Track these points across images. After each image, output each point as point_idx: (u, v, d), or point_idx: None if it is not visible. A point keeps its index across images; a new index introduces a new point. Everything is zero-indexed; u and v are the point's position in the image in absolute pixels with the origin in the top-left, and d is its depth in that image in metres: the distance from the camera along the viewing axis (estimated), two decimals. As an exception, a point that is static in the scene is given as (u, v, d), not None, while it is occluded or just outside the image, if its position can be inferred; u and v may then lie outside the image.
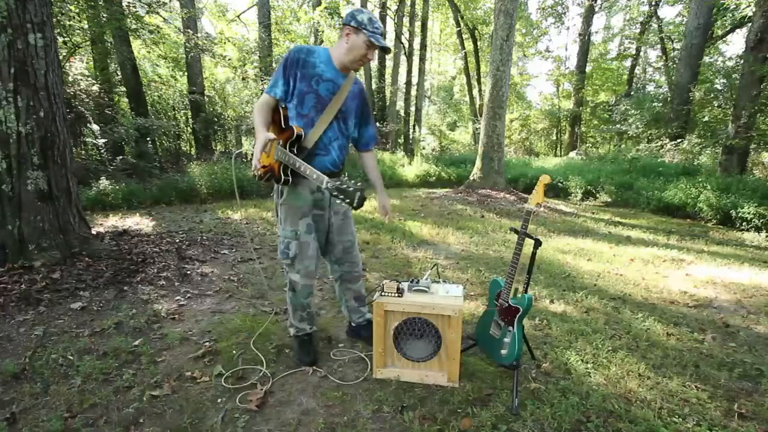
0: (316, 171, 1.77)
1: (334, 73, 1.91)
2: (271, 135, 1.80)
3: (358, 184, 1.64)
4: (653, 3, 16.13)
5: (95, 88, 7.66)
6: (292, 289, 2.14)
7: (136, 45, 9.34)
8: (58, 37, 5.55)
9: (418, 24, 17.01)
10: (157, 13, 8.04)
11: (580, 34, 16.85)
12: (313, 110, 1.90)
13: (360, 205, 1.64)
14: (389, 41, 18.23)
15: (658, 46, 16.77)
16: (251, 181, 7.46)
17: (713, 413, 1.87)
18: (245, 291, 3.21)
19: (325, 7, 12.60)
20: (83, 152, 7.48)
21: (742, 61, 8.76)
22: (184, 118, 11.11)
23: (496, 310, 2.07)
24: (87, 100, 7.38)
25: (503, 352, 2.01)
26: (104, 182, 6.21)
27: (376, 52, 1.88)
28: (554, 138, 19.42)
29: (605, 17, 22.91)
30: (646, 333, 2.64)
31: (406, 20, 16.75)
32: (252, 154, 1.87)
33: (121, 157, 7.25)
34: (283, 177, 1.89)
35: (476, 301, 3.08)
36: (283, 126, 1.92)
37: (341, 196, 1.66)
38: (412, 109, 16.53)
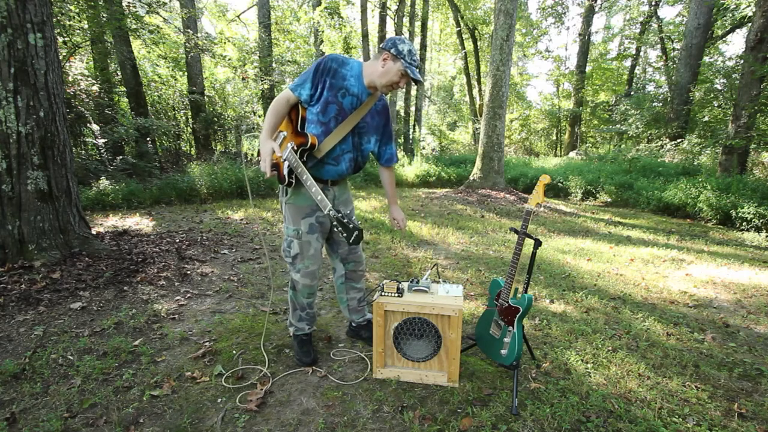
0: (321, 193, 1.80)
1: (360, 88, 1.93)
2: (278, 150, 1.82)
3: (359, 223, 1.76)
4: (653, 3, 16.14)
5: (95, 88, 7.65)
6: (292, 288, 2.16)
7: (136, 45, 9.33)
8: (58, 37, 5.55)
9: (418, 24, 17.00)
10: (157, 13, 8.04)
11: (580, 34, 16.84)
12: (333, 120, 1.92)
13: (356, 242, 1.74)
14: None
15: (658, 46, 16.78)
16: (251, 181, 7.47)
17: (713, 413, 1.87)
18: (245, 291, 3.21)
19: (325, 7, 12.60)
20: (83, 152, 7.48)
21: (742, 61, 8.76)
22: (184, 118, 11.11)
23: (496, 310, 2.08)
24: (87, 100, 7.38)
25: (503, 352, 2.01)
26: (104, 182, 6.21)
27: (407, 81, 1.90)
28: (554, 138, 19.42)
29: (605, 17, 22.90)
30: (646, 333, 2.65)
31: (406, 20, 16.74)
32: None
33: (121, 157, 7.25)
34: (287, 179, 1.91)
35: (476, 301, 3.08)
36: (299, 129, 1.93)
37: (340, 228, 1.75)
38: (412, 109, 16.53)
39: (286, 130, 1.96)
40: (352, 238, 1.72)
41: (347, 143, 1.99)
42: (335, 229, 1.84)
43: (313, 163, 1.97)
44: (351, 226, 1.73)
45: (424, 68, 16.99)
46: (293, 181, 1.92)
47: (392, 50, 1.82)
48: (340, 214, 1.74)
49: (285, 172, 1.91)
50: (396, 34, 16.41)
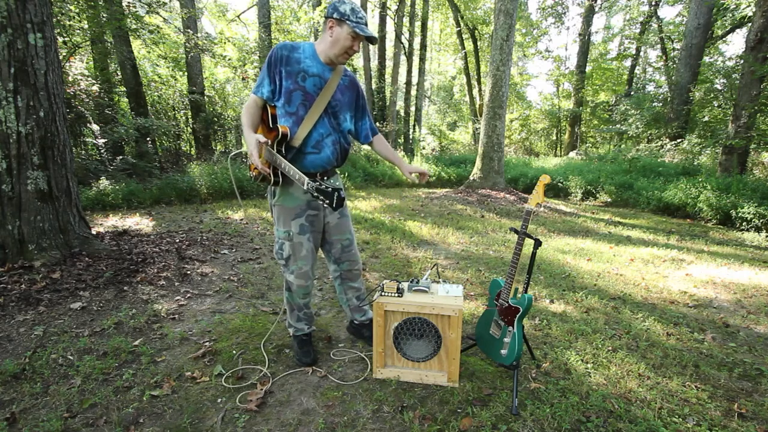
0: (298, 172, 1.75)
1: (320, 67, 1.88)
2: (262, 138, 1.80)
3: (337, 184, 1.64)
4: (653, 3, 16.14)
5: (95, 88, 7.65)
6: (288, 289, 2.16)
7: (136, 45, 9.33)
8: (58, 37, 5.55)
9: (418, 24, 17.01)
10: (157, 13, 8.04)
11: (580, 34, 16.84)
12: (301, 107, 1.86)
13: (339, 205, 1.62)
14: (389, 41, 18.24)
15: (658, 46, 16.78)
16: (250, 181, 7.47)
17: (713, 413, 1.87)
18: (245, 291, 3.21)
19: (325, 7, 12.58)
20: (83, 152, 7.48)
21: (742, 61, 8.76)
22: (184, 118, 11.10)
23: (496, 310, 2.08)
24: (87, 100, 7.38)
25: (503, 352, 2.01)
26: (104, 182, 6.21)
27: (362, 42, 1.85)
28: (554, 138, 19.42)
29: (605, 17, 22.92)
30: (646, 333, 2.65)
31: (406, 20, 16.75)
32: (245, 152, 1.85)
33: (121, 157, 7.24)
34: (273, 178, 1.89)
35: (476, 301, 3.08)
36: (271, 126, 1.90)
37: (321, 197, 1.66)
38: (412, 109, 16.54)
39: (261, 132, 1.93)
40: (334, 201, 1.61)
41: (324, 126, 1.92)
42: (318, 201, 1.74)
43: (294, 155, 1.91)
44: (330, 189, 1.62)
45: (424, 68, 16.99)
46: (279, 179, 1.90)
47: (335, 15, 1.76)
48: (317, 183, 1.66)
49: (270, 172, 1.88)
50: (396, 34, 16.42)
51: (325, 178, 2.02)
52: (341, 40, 1.79)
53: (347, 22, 1.75)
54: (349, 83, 2.01)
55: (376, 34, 1.81)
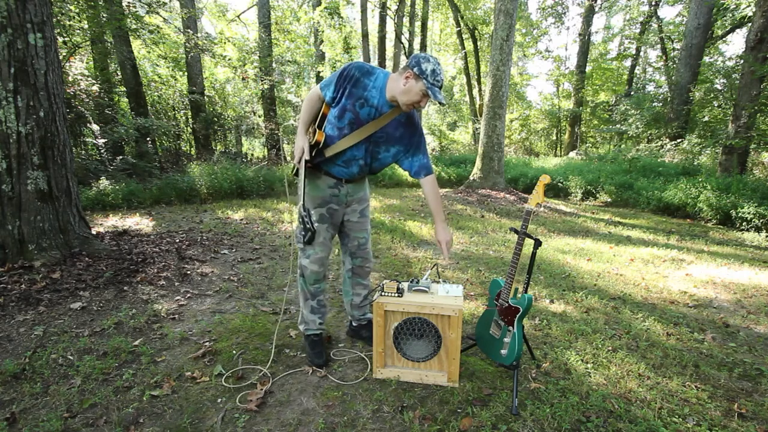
0: (302, 190, 1.99)
1: (381, 101, 1.91)
2: (307, 155, 1.92)
3: (316, 225, 1.98)
4: (653, 3, 16.14)
5: (95, 88, 7.65)
6: (301, 275, 2.20)
7: (136, 45, 9.33)
8: (58, 37, 5.55)
9: (418, 24, 17.01)
10: (157, 13, 8.04)
11: (580, 34, 16.84)
12: (348, 127, 1.93)
13: (308, 242, 2.01)
14: (389, 41, 18.23)
15: (658, 46, 16.78)
16: (251, 181, 7.47)
17: (713, 413, 1.87)
18: (245, 291, 3.21)
19: (325, 7, 12.60)
20: (83, 152, 7.48)
21: (742, 61, 8.76)
22: (184, 118, 11.11)
23: (496, 310, 2.08)
24: (87, 100, 7.38)
25: (503, 352, 2.01)
26: (104, 182, 6.21)
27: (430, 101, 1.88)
28: (554, 138, 19.41)
29: (605, 17, 22.90)
30: (646, 333, 2.65)
31: (406, 20, 16.74)
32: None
33: (121, 157, 7.24)
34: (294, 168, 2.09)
35: (476, 301, 3.08)
36: (317, 126, 2.00)
37: (301, 225, 1.98)
38: (412, 109, 16.48)
39: (311, 128, 2.08)
40: (305, 237, 1.95)
41: (360, 150, 1.98)
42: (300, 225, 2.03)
43: (323, 160, 2.01)
44: (309, 226, 1.94)
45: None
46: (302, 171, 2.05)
47: (415, 69, 1.79)
48: (305, 213, 1.94)
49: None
50: (396, 34, 16.42)
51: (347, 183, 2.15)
52: (412, 93, 1.82)
53: (424, 80, 1.78)
54: (406, 119, 2.02)
55: (445, 101, 1.84)
